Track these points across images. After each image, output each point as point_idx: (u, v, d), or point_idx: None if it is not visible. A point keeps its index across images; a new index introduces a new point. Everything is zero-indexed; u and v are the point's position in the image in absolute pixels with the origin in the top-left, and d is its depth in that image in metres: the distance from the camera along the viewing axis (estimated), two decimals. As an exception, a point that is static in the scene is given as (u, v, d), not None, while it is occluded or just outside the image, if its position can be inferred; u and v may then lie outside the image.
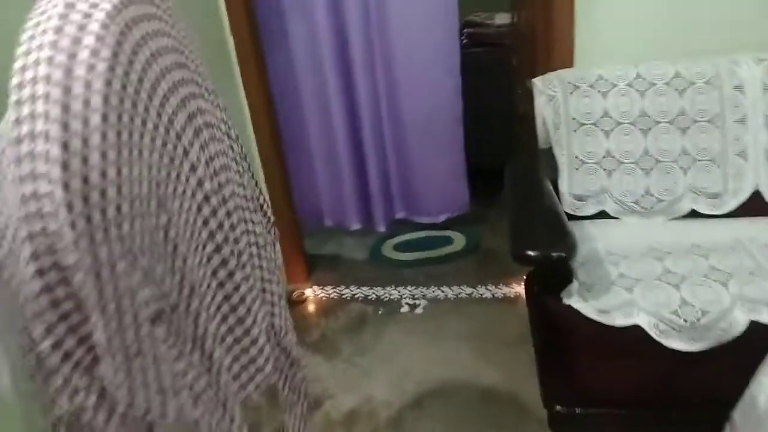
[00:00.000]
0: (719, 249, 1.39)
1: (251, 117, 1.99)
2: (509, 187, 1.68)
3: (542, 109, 1.67)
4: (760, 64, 1.55)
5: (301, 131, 2.41)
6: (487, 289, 2.15)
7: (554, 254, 1.18)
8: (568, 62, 1.75)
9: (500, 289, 2.14)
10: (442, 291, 2.16)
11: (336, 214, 2.60)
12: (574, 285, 1.31)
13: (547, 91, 1.64)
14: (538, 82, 1.68)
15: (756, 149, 1.55)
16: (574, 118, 1.62)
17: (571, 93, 1.62)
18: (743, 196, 1.58)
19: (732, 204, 1.58)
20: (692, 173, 1.58)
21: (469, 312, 2.01)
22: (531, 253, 1.19)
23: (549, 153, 1.69)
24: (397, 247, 2.58)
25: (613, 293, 1.28)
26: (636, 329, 1.22)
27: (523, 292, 1.52)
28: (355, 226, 2.58)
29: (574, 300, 1.27)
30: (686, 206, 1.60)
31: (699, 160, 1.58)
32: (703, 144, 1.57)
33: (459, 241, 2.58)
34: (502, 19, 2.97)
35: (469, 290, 2.15)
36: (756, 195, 1.57)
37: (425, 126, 2.37)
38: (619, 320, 1.23)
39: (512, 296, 2.09)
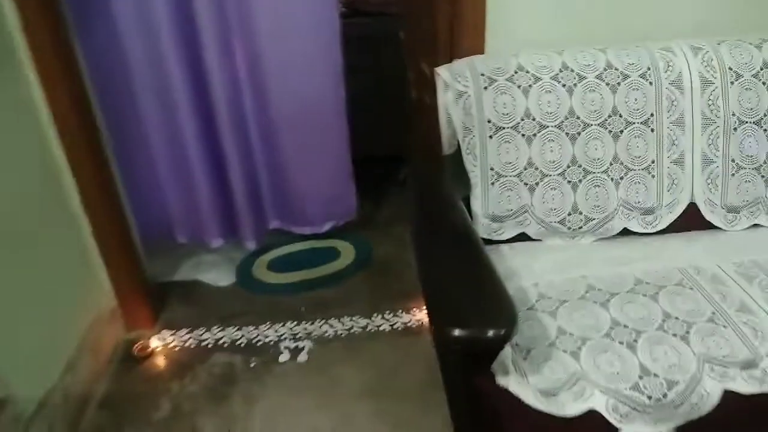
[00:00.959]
0: (667, 285, 1.17)
1: (53, 117, 1.44)
2: (413, 210, 1.34)
3: (449, 107, 1.34)
4: (697, 55, 1.33)
5: (137, 129, 1.87)
6: (384, 318, 1.82)
7: (491, 334, 0.86)
8: (477, 45, 1.42)
9: (399, 317, 1.82)
10: (331, 326, 1.80)
11: (190, 227, 2.11)
12: (507, 351, 1.01)
13: (456, 85, 1.31)
14: (443, 73, 1.34)
15: (693, 155, 1.35)
16: (489, 121, 1.30)
17: (486, 88, 1.30)
18: (678, 209, 1.38)
19: (667, 220, 1.38)
20: (624, 185, 1.35)
21: (365, 354, 1.67)
22: (460, 333, 0.86)
23: (455, 158, 1.36)
24: (272, 266, 2.16)
25: (557, 361, 1.00)
26: (591, 416, 0.95)
27: (427, 322, 1.20)
28: (217, 242, 2.12)
29: (511, 380, 0.97)
30: (618, 224, 1.37)
31: (632, 170, 1.35)
32: (636, 151, 1.34)
33: (346, 252, 2.22)
34: (386, -17, 2.59)
35: (362, 322, 1.81)
36: (691, 207, 1.38)
37: (299, 116, 1.95)
38: (570, 407, 0.95)
39: (414, 327, 1.79)
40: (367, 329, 1.78)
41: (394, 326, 1.79)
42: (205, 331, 1.80)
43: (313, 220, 2.16)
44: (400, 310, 1.85)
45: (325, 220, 2.18)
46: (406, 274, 2.01)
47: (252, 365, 1.65)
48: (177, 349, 1.74)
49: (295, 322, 1.82)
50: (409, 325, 1.79)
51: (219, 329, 1.80)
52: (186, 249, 2.17)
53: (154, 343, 1.74)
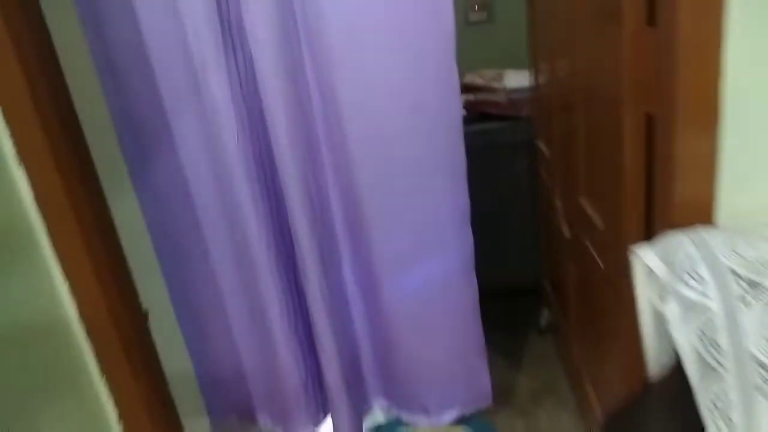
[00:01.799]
0: None
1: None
2: None
3: (669, 321, 0.76)
4: None
5: (201, 286, 1.50)
6: None
7: None
8: (701, 199, 0.85)
9: None
10: None
11: (272, 406, 1.65)
12: None
13: (684, 290, 0.74)
14: (649, 259, 0.78)
15: None
16: (759, 362, 0.70)
17: (746, 301, 0.71)
18: None
19: None
20: None
21: None
22: None
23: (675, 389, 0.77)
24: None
25: None
26: None
27: None
28: (304, 428, 1.63)
29: None
30: None
31: None
32: None
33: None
34: (516, 79, 2.11)
35: None
36: None
37: (411, 265, 1.45)
38: None
39: None
40: None
41: None
42: None
43: (429, 407, 1.61)
44: None
45: (446, 406, 1.62)
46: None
47: None
48: None
49: None
50: None
51: None
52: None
53: None
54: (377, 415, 1.73)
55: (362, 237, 1.40)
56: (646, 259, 0.81)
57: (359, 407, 1.65)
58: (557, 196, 1.61)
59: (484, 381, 1.61)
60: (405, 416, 1.66)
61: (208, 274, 1.45)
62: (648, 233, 0.96)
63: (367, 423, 1.70)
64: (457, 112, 1.29)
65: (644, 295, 0.84)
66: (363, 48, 1.21)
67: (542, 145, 1.81)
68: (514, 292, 2.28)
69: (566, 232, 1.52)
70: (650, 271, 0.83)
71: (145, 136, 1.32)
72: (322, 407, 1.65)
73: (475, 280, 1.46)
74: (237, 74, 1.24)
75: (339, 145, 1.32)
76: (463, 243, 1.41)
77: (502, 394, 1.75)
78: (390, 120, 1.28)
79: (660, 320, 0.82)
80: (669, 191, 0.87)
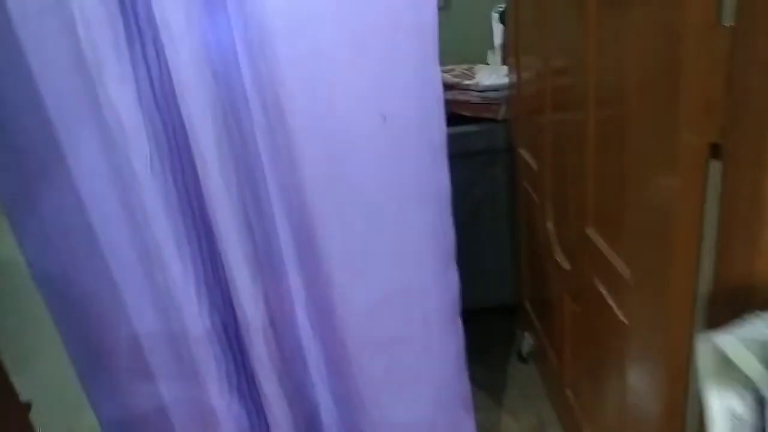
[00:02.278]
0: None
1: None
2: None
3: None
4: None
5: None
6: None
7: None
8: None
9: None
10: None
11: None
12: None
13: None
14: (740, 357, 0.55)
15: None
16: None
17: None
18: None
19: None
20: None
21: None
22: None
23: None
24: None
25: None
26: None
27: None
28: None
29: None
30: None
31: None
32: None
33: None
34: (490, 76, 1.87)
35: None
36: None
37: (387, 320, 1.18)
38: None
39: None
40: None
41: None
42: None
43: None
44: None
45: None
46: None
47: None
48: None
49: None
50: None
51: None
52: None
53: None
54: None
55: (320, 283, 1.13)
56: (731, 352, 0.58)
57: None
58: (549, 218, 1.38)
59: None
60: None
61: (124, 338, 1.14)
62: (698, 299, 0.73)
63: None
64: (440, 125, 1.03)
65: (719, 396, 0.61)
66: (317, 41, 0.93)
67: (526, 154, 1.58)
68: (487, 311, 2.06)
69: (563, 263, 1.29)
70: (729, 364, 0.59)
71: (27, 166, 0.99)
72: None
73: (461, 326, 1.21)
74: (147, 79, 0.93)
75: (286, 166, 1.04)
76: (447, 286, 1.16)
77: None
78: (352, 135, 1.01)
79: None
80: (747, 248, 0.64)
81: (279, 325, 1.15)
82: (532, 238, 1.64)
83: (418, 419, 1.30)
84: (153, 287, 1.09)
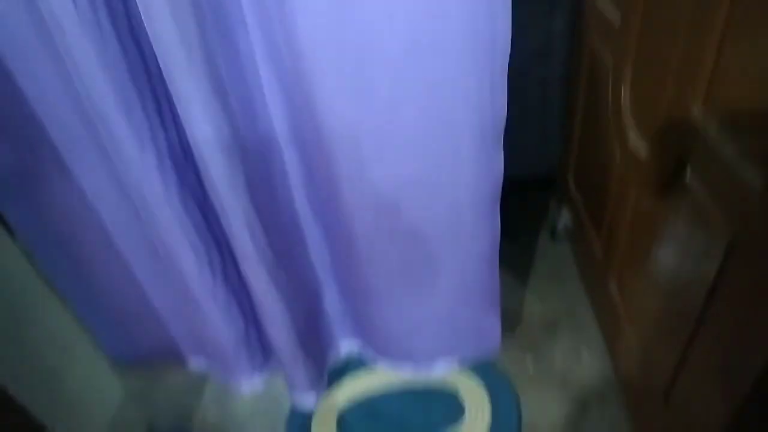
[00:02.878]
0: None
1: None
2: None
3: None
4: None
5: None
6: None
7: None
8: None
9: None
10: None
11: (207, 351, 1.28)
12: None
13: None
14: None
15: None
16: None
17: None
18: None
19: None
20: None
21: None
22: None
23: None
24: (348, 425, 1.30)
25: None
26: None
27: None
28: (247, 382, 1.28)
29: None
30: None
31: None
32: None
33: (474, 405, 1.30)
34: None
35: None
36: None
37: (410, 191, 0.96)
38: None
39: None
40: None
41: None
42: None
43: (416, 354, 1.25)
44: None
45: (438, 355, 1.26)
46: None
47: None
48: None
49: None
50: None
51: None
52: (197, 388, 1.36)
53: None
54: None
55: (321, 162, 0.89)
56: None
57: (321, 355, 1.28)
58: (625, 87, 1.09)
59: (492, 330, 1.23)
60: (383, 363, 1.30)
61: (88, 206, 0.94)
62: None
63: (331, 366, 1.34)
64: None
65: None
66: None
67: (602, 2, 1.23)
68: (523, 185, 1.83)
69: (638, 147, 1.03)
70: None
71: None
72: (271, 354, 1.27)
73: (498, 218, 0.99)
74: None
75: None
76: (490, 170, 0.91)
77: (507, 320, 1.38)
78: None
79: None
80: None
81: (270, 213, 0.93)
82: (591, 110, 1.35)
83: (437, 314, 1.15)
84: (105, 158, 0.87)
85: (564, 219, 1.68)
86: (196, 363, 1.33)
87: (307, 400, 1.24)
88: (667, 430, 1.05)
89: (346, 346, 1.32)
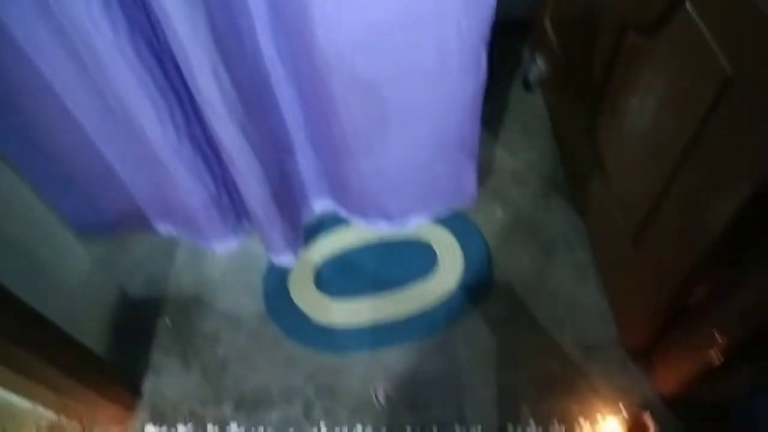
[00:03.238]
0: None
1: None
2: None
3: None
4: None
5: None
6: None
7: None
8: None
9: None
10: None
11: (176, 217, 1.25)
12: None
13: None
14: None
15: None
16: None
17: None
18: None
19: None
20: None
21: None
22: None
23: None
24: (323, 280, 1.33)
25: None
26: None
27: None
28: (221, 244, 1.27)
29: None
30: None
31: None
32: None
33: (446, 253, 1.35)
34: None
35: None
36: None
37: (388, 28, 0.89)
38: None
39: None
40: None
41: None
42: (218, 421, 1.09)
43: (391, 210, 1.25)
44: (552, 418, 1.07)
45: (413, 209, 1.26)
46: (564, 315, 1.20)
47: None
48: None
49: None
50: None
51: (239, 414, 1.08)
52: (169, 249, 1.34)
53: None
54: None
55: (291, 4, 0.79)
56: None
57: (296, 215, 1.26)
58: None
59: (468, 181, 1.23)
60: (357, 219, 1.30)
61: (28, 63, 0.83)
62: None
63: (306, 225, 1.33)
64: None
65: None
66: None
67: None
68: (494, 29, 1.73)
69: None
70: None
71: None
72: (244, 216, 1.25)
73: (485, 59, 0.93)
74: None
75: None
76: (478, 4, 0.84)
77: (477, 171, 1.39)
78: None
79: None
80: None
81: (238, 65, 0.84)
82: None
83: (415, 167, 1.12)
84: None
85: (538, 67, 1.62)
86: (164, 229, 1.30)
87: (284, 260, 1.24)
88: (634, 272, 1.10)
89: (320, 205, 1.30)
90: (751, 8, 0.67)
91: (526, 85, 1.68)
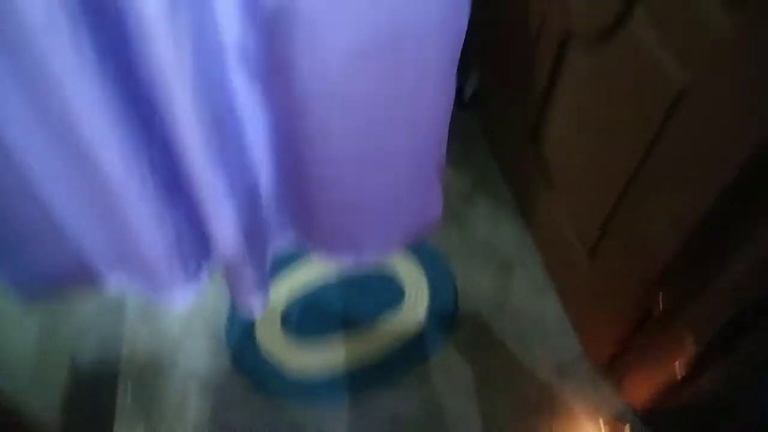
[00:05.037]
0: None
1: None
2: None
3: None
4: None
5: None
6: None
7: None
8: None
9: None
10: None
11: (129, 265, 1.17)
12: None
13: None
14: None
15: None
16: None
17: None
18: None
19: None
20: None
21: None
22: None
23: None
24: (290, 323, 1.31)
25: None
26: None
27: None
28: (181, 296, 1.20)
29: None
30: None
31: None
32: None
33: (412, 285, 1.37)
34: None
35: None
36: None
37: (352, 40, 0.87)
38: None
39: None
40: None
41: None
42: None
43: (357, 241, 1.25)
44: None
45: (383, 239, 1.27)
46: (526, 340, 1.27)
47: None
48: None
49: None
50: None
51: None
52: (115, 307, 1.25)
53: None
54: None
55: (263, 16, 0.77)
56: None
57: (264, 251, 1.23)
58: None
59: (435, 204, 1.25)
60: (321, 253, 1.28)
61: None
62: None
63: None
64: None
65: None
66: None
67: None
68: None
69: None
70: None
71: None
72: (205, 260, 1.19)
73: (455, 74, 0.96)
74: None
75: None
76: (456, 18, 0.87)
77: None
78: None
79: None
80: None
81: (208, 86, 0.80)
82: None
83: (387, 194, 1.13)
84: None
85: (472, 84, 1.68)
86: (116, 280, 1.20)
87: (254, 301, 1.20)
88: (593, 284, 1.18)
89: (283, 239, 1.27)
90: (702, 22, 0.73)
91: (461, 103, 1.74)
